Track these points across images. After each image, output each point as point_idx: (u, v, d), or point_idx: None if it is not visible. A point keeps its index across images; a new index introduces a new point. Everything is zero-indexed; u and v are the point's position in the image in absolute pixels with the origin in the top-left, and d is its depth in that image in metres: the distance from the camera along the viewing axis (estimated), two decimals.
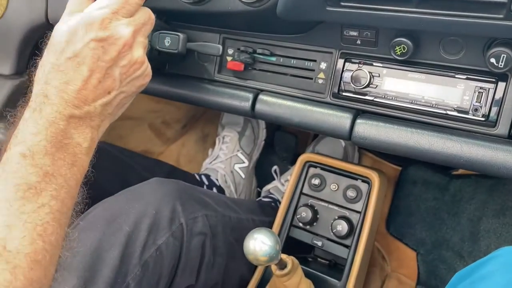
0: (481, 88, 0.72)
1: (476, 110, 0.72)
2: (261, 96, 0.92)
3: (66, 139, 0.58)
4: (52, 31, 0.62)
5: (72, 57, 0.58)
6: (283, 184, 1.34)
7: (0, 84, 0.72)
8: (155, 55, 0.86)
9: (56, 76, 0.58)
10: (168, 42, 0.77)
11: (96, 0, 0.61)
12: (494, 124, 0.72)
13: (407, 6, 0.64)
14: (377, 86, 0.80)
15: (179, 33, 0.78)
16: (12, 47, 0.71)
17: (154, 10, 0.93)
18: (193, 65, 0.99)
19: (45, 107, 0.57)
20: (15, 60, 0.72)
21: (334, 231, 1.04)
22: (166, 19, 0.98)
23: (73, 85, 0.58)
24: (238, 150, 1.40)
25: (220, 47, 0.81)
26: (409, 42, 0.72)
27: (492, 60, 0.66)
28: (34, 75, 0.62)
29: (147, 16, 0.66)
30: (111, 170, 1.10)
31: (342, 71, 0.83)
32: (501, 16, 0.59)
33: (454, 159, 0.73)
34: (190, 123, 1.65)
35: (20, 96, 0.76)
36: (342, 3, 0.69)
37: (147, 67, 0.66)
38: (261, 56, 0.92)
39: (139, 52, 0.63)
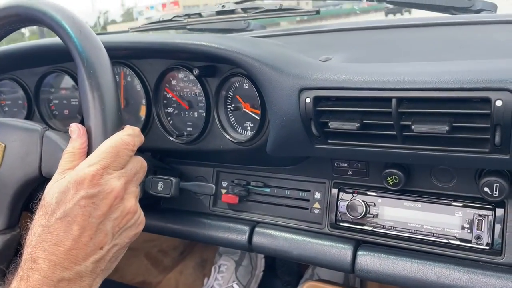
0: (479, 215, 0.70)
1: (478, 238, 0.70)
2: (258, 229, 0.89)
3: None
4: (43, 192, 0.61)
5: (63, 217, 0.56)
6: None
7: None
8: (149, 195, 0.86)
9: (46, 238, 0.56)
10: (161, 186, 0.77)
11: (87, 157, 0.60)
12: (500, 252, 0.69)
13: (393, 143, 0.66)
14: (374, 215, 0.79)
15: (171, 178, 0.78)
16: (4, 202, 0.70)
17: (148, 149, 0.96)
18: (188, 199, 0.98)
19: (32, 274, 0.54)
20: (7, 215, 0.71)
21: None
22: (160, 156, 1.00)
23: (62, 246, 0.55)
24: (234, 281, 1.32)
25: (213, 186, 0.81)
26: (400, 173, 0.72)
27: (486, 189, 0.66)
28: (25, 238, 0.60)
29: (138, 165, 0.64)
30: None
31: (337, 200, 0.83)
32: (486, 150, 0.60)
33: None
34: (187, 249, 1.60)
35: (11, 250, 0.73)
36: (330, 141, 0.71)
37: (139, 216, 0.64)
38: (255, 188, 0.92)
39: (131, 202, 0.61)
